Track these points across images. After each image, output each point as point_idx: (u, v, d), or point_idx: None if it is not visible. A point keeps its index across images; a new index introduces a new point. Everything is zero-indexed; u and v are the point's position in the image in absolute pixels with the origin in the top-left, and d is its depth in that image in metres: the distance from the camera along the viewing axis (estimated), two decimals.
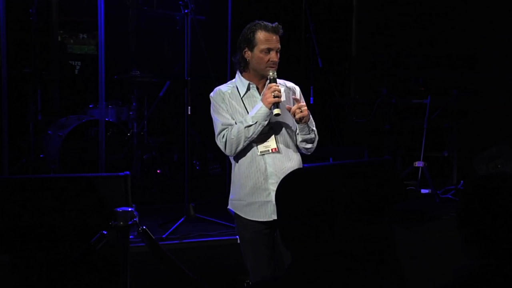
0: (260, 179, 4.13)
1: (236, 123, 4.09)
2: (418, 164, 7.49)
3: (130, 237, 3.89)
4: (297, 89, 4.33)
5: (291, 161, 4.18)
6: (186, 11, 6.02)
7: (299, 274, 2.15)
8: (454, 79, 8.09)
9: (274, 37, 4.12)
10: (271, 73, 4.08)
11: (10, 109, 6.18)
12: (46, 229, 4.99)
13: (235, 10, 7.64)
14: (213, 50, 7.35)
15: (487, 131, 7.69)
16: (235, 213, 4.24)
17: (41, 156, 7.47)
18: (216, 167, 8.35)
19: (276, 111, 3.98)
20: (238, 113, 4.11)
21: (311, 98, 7.70)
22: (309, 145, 4.28)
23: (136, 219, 3.87)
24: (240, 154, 4.16)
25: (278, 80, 4.14)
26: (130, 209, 3.86)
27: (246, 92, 4.16)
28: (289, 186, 2.26)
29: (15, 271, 4.72)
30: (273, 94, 3.99)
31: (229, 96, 4.15)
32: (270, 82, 4.07)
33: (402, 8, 8.69)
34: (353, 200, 6.17)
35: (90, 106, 7.75)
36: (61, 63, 8.87)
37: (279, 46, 4.14)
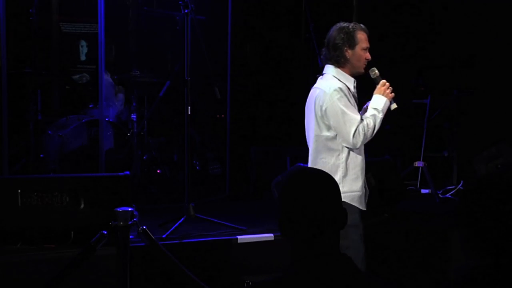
0: (364, 170, 4.50)
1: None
2: (418, 164, 7.49)
3: (130, 237, 3.90)
4: None
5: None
6: (186, 11, 6.02)
7: (299, 274, 2.15)
8: (454, 79, 8.08)
9: (367, 38, 4.54)
10: (377, 71, 4.50)
11: (10, 109, 6.18)
12: (46, 229, 5.00)
13: (235, 10, 7.65)
14: (213, 50, 7.36)
15: (487, 131, 7.68)
16: (351, 205, 4.37)
17: (41, 156, 7.47)
18: (216, 167, 8.34)
19: (393, 106, 4.44)
20: (353, 108, 4.41)
21: None
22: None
23: (136, 219, 3.88)
24: (358, 148, 4.45)
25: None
26: (130, 209, 3.87)
27: (354, 87, 4.50)
28: (289, 186, 2.26)
29: (15, 271, 4.72)
30: (390, 89, 4.42)
31: (347, 92, 4.41)
32: (379, 79, 4.48)
33: (402, 7, 8.69)
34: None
35: (90, 106, 7.75)
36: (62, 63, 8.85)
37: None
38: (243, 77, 8.77)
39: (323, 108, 4.34)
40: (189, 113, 5.97)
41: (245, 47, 9.02)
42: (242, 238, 5.47)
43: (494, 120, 7.76)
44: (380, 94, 4.42)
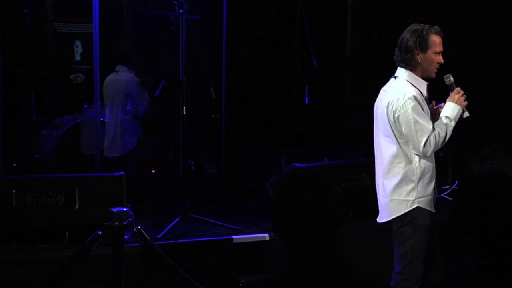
0: (434, 174, 4.49)
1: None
2: None
3: (125, 237, 3.90)
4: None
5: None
6: (181, 11, 6.02)
7: (294, 274, 2.15)
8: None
9: (441, 41, 4.48)
10: (451, 78, 4.50)
11: (5, 109, 6.17)
12: (41, 229, 4.99)
13: (230, 10, 7.64)
14: (208, 50, 7.35)
15: (482, 131, 7.69)
16: (421, 208, 4.42)
17: (36, 156, 7.46)
18: (211, 167, 8.34)
19: (466, 114, 4.45)
20: (426, 113, 4.41)
21: (306, 98, 7.70)
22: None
23: (131, 219, 3.88)
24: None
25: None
26: (125, 209, 3.87)
27: (426, 91, 4.52)
28: (284, 186, 2.26)
29: (9, 271, 4.71)
30: (464, 97, 4.43)
31: (419, 98, 4.41)
32: (454, 86, 4.49)
33: (397, 7, 8.69)
34: (348, 200, 6.18)
35: (85, 106, 7.74)
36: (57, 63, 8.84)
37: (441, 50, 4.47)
38: (238, 77, 8.76)
39: (396, 115, 4.36)
40: (184, 113, 5.97)
41: (240, 47, 9.01)
42: (237, 238, 5.47)
43: (489, 120, 7.77)
44: (454, 102, 4.43)
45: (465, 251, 2.20)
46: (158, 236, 5.39)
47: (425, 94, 4.47)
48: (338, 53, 9.48)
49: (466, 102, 4.40)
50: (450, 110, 4.42)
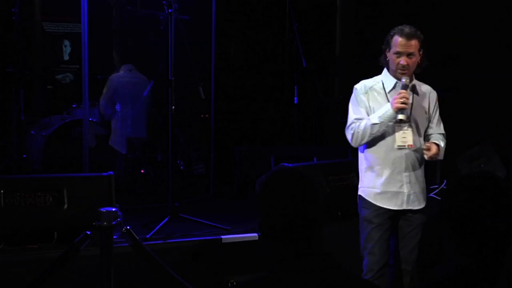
0: (396, 171, 4.46)
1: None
2: None
3: (114, 237, 3.89)
4: (433, 95, 4.69)
5: (421, 158, 4.50)
6: (170, 10, 6.01)
7: (282, 274, 2.15)
8: (436, 79, 8.10)
9: (406, 42, 4.44)
10: (404, 80, 4.42)
11: None
12: (29, 230, 4.97)
13: (219, 10, 7.65)
14: (197, 50, 7.35)
15: (470, 130, 7.71)
16: (365, 199, 4.52)
17: (24, 156, 7.44)
18: (200, 167, 8.35)
19: (400, 116, 4.34)
20: (380, 106, 4.44)
21: (295, 98, 7.71)
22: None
23: (120, 219, 3.87)
24: (375, 146, 4.50)
25: (416, 81, 4.59)
26: (114, 209, 3.86)
27: (393, 88, 4.48)
28: (271, 186, 2.26)
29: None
30: (401, 100, 4.32)
31: (373, 90, 4.51)
32: (401, 88, 4.40)
33: (386, 7, 8.71)
34: (337, 199, 6.19)
35: (74, 106, 7.73)
36: (45, 63, 8.82)
37: (411, 51, 4.44)
38: (227, 77, 8.77)
39: None
40: (173, 113, 5.96)
41: (229, 46, 9.03)
42: (226, 238, 5.47)
43: (477, 119, 7.80)
44: (390, 102, 4.40)
45: (453, 250, 2.21)
46: (147, 236, 5.38)
47: (390, 89, 4.49)
48: (327, 53, 9.50)
49: (402, 106, 4.32)
50: (382, 109, 4.41)
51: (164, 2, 6.05)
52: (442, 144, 4.56)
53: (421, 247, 4.61)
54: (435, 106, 4.64)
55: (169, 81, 5.96)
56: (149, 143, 8.13)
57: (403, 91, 4.37)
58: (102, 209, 3.83)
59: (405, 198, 4.47)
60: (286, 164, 5.65)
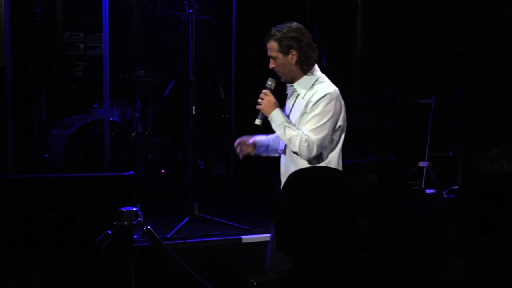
0: (282, 176, 4.37)
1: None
2: (423, 164, 7.48)
3: (135, 236, 3.90)
4: (316, 96, 4.20)
5: (295, 165, 4.19)
6: (190, 11, 6.02)
7: (303, 275, 2.15)
8: (458, 79, 8.07)
9: (267, 46, 4.30)
10: (268, 82, 4.33)
11: (15, 109, 6.19)
12: (51, 229, 5.00)
13: (239, 10, 7.65)
14: (217, 50, 7.35)
15: (491, 131, 7.67)
16: None
17: (45, 156, 7.48)
18: (220, 167, 8.34)
19: (257, 121, 4.31)
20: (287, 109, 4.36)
21: None
22: (291, 146, 4.22)
23: (141, 218, 3.88)
24: None
25: (318, 81, 4.24)
26: (134, 209, 3.87)
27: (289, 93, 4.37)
28: (292, 186, 2.25)
29: (19, 271, 4.73)
30: (258, 101, 4.27)
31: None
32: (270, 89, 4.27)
33: (407, 7, 8.67)
34: (357, 200, 6.18)
35: (95, 106, 7.76)
36: (66, 63, 8.87)
37: (271, 54, 4.25)
38: (247, 77, 8.77)
39: None
40: (194, 112, 5.97)
41: (249, 46, 9.02)
42: (247, 238, 5.47)
43: (499, 119, 7.75)
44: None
45: (474, 250, 2.19)
46: (168, 235, 5.40)
47: (288, 93, 4.39)
48: (347, 52, 9.47)
49: (258, 107, 4.26)
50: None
51: (185, 2, 6.07)
52: (290, 130, 4.18)
53: None
54: (312, 107, 4.15)
55: (189, 81, 5.98)
56: (170, 143, 8.14)
57: (263, 92, 4.25)
58: (123, 209, 3.84)
59: None
60: None
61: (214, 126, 8.87)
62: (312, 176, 2.26)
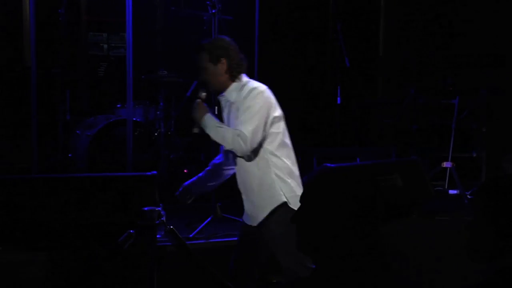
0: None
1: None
2: (446, 164, 7.44)
3: (157, 236, 3.91)
4: (244, 95, 4.34)
5: (245, 171, 4.44)
6: (213, 11, 6.04)
7: (326, 274, 2.14)
8: (482, 79, 8.02)
9: (196, 58, 4.50)
10: (201, 93, 4.47)
11: (39, 109, 6.24)
12: (74, 228, 5.03)
13: (262, 10, 7.64)
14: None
15: None
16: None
17: (69, 155, 7.53)
18: None
19: (194, 129, 4.49)
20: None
21: (338, 98, 7.68)
22: (226, 145, 4.39)
23: (163, 218, 3.89)
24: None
25: (244, 87, 4.34)
26: (157, 209, 3.88)
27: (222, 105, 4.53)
28: (313, 186, 2.24)
29: (43, 269, 4.76)
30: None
31: None
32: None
33: (430, 7, 8.63)
34: (380, 200, 6.15)
35: (118, 106, 7.79)
36: (90, 63, 8.92)
37: (203, 65, 4.41)
38: (270, 78, 8.76)
39: None
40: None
41: (272, 47, 9.02)
42: None
43: None
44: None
45: (495, 251, 2.18)
46: (190, 235, 5.41)
47: (222, 106, 4.52)
48: (370, 53, 9.45)
49: (191, 116, 4.41)
50: None
51: (208, 2, 6.08)
52: (222, 129, 4.33)
53: None
54: (243, 107, 4.29)
55: None
56: (192, 143, 8.15)
57: (195, 102, 4.38)
58: (145, 208, 3.85)
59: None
60: (328, 165, 5.64)
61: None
62: (335, 177, 2.25)
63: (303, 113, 9.03)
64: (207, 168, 4.66)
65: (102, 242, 4.95)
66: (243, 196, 4.43)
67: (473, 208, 2.22)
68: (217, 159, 4.66)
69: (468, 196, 7.17)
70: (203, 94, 4.42)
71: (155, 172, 5.34)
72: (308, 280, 2.17)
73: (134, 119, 7.10)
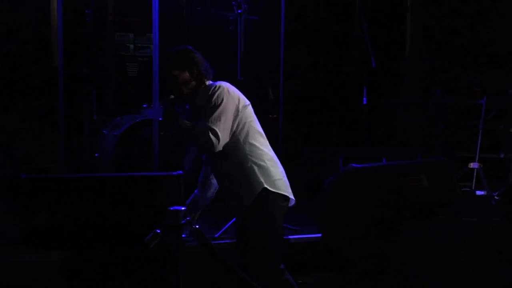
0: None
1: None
2: (473, 165, 7.39)
3: (183, 236, 3.92)
4: (207, 94, 4.46)
5: (220, 168, 4.51)
6: (239, 11, 6.04)
7: (349, 274, 2.14)
8: (510, 79, 7.95)
9: (164, 68, 4.76)
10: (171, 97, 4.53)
11: (66, 109, 6.28)
12: (100, 227, 5.06)
13: (288, 11, 7.64)
14: (266, 50, 7.36)
15: None
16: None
17: (96, 155, 7.57)
18: None
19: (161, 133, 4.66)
20: None
21: (364, 98, 7.65)
22: (200, 144, 4.44)
23: (189, 218, 3.90)
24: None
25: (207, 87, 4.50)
26: (183, 208, 3.89)
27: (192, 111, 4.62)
28: (339, 186, 2.25)
29: (70, 268, 4.79)
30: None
31: None
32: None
33: (457, 7, 8.58)
34: (406, 201, 6.11)
35: (144, 106, 7.82)
36: (117, 63, 8.97)
37: (172, 72, 4.51)
38: (296, 78, 8.76)
39: None
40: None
41: (298, 47, 9.02)
42: (294, 239, 5.45)
43: None
44: None
45: None
46: (216, 235, 5.42)
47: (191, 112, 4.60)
48: (396, 53, 9.41)
49: (161, 121, 4.52)
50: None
51: (234, 2, 6.09)
52: (193, 129, 4.36)
53: None
54: (210, 106, 4.37)
55: (238, 81, 5.99)
56: None
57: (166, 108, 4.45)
58: (171, 208, 3.87)
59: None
60: (354, 165, 5.62)
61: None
62: (361, 177, 2.26)
63: (329, 113, 9.01)
64: (199, 181, 4.75)
65: (128, 241, 4.98)
66: (227, 196, 4.54)
67: (501, 210, 2.21)
68: (202, 172, 4.75)
69: (496, 197, 7.11)
70: (172, 97, 4.52)
71: (181, 172, 5.37)
72: (334, 280, 2.18)
73: (160, 119, 7.12)
